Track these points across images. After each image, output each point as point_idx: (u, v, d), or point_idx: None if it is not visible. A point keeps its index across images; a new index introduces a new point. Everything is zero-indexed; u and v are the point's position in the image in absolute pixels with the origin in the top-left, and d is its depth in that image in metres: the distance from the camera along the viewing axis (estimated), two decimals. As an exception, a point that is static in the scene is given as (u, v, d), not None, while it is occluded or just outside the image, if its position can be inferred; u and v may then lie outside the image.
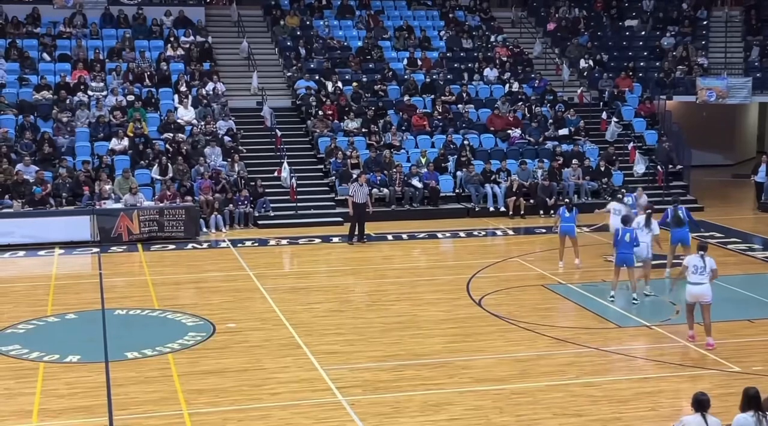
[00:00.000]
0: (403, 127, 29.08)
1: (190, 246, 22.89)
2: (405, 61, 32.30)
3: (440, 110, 29.74)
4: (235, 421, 11.71)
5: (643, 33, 36.13)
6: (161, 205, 23.74)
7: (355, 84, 30.28)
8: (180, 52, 30.96)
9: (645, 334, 15.41)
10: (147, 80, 29.36)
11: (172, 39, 31.32)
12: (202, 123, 27.63)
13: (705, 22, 36.45)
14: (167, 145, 26.50)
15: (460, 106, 30.27)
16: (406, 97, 30.13)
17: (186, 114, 27.96)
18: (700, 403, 8.79)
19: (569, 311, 16.83)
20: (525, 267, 20.37)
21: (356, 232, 23.01)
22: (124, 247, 22.69)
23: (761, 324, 15.50)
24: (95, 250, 22.31)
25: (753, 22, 36.03)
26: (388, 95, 30.57)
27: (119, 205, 23.54)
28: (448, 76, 31.67)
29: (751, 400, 8.76)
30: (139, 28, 31.95)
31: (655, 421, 11.50)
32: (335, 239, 23.35)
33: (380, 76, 31.13)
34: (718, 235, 23.76)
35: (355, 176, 24.45)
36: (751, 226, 25.04)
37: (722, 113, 34.73)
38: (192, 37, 31.58)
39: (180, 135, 26.94)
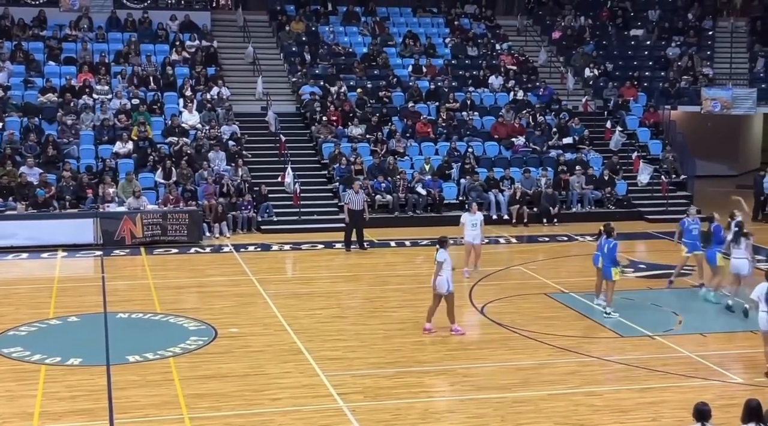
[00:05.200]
0: (408, 134, 29.08)
1: (192, 250, 22.90)
2: (410, 68, 32.32)
3: (444, 117, 29.76)
4: (235, 427, 11.71)
5: (648, 42, 36.14)
6: (164, 209, 23.76)
7: (359, 90, 30.30)
8: (185, 56, 31.01)
9: (647, 343, 15.36)
10: (152, 84, 29.40)
11: (177, 43, 31.37)
12: (207, 127, 27.66)
13: (710, 33, 36.47)
14: (171, 149, 26.53)
15: (464, 113, 30.28)
16: (410, 104, 30.14)
17: (190, 118, 27.99)
18: (701, 414, 8.83)
19: (571, 320, 16.78)
20: (527, 275, 20.33)
21: (354, 240, 22.95)
22: (127, 250, 22.69)
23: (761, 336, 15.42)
24: (98, 253, 22.32)
25: (758, 33, 36.02)
26: (392, 102, 30.58)
27: (123, 209, 23.55)
28: (453, 84, 31.67)
29: (752, 412, 8.81)
30: (144, 32, 32.00)
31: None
32: (338, 245, 23.34)
33: (385, 83, 31.15)
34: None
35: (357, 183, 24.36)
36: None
37: (727, 124, 34.71)
38: (197, 42, 31.63)
39: (184, 139, 26.98)
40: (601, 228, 17.39)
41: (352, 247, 22.91)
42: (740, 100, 32.08)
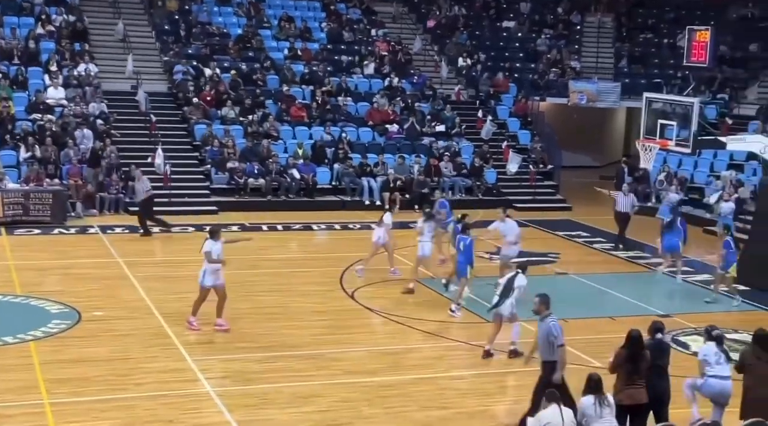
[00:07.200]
0: (283, 118, 28.90)
1: (56, 231, 22.22)
2: (285, 51, 32.09)
3: (319, 102, 29.70)
4: (98, 411, 11.46)
5: (519, 35, 36.92)
6: (27, 188, 22.96)
7: (233, 72, 29.91)
8: (51, 30, 29.91)
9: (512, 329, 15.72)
10: (15, 58, 28.27)
11: (43, 17, 30.23)
12: (72, 104, 26.82)
13: (578, 27, 37.54)
14: (35, 126, 25.63)
15: (339, 98, 30.30)
16: (285, 88, 29.95)
17: (56, 94, 27.08)
18: (552, 396, 9.50)
19: (440, 305, 17.03)
20: (398, 261, 20.46)
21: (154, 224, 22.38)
22: (-14, 230, 21.87)
23: (622, 321, 16.00)
24: (-45, 232, 21.43)
25: (623, 29, 37.31)
26: (266, 85, 30.32)
27: (-18, 187, 22.66)
28: (328, 68, 31.63)
29: (593, 385, 9.69)
30: (8, 3, 30.67)
31: (519, 414, 11.77)
32: (208, 228, 22.96)
33: (259, 65, 30.85)
34: (585, 234, 24.52)
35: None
36: (615, 227, 25.83)
37: (592, 116, 35.81)
38: (64, 16, 30.56)
39: (49, 116, 26.10)
40: (458, 216, 17.84)
41: (142, 231, 22.25)
42: (605, 94, 33.16)
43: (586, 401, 9.61)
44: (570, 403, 10.18)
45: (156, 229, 22.39)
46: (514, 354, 13.94)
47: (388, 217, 19.02)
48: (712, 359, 11.01)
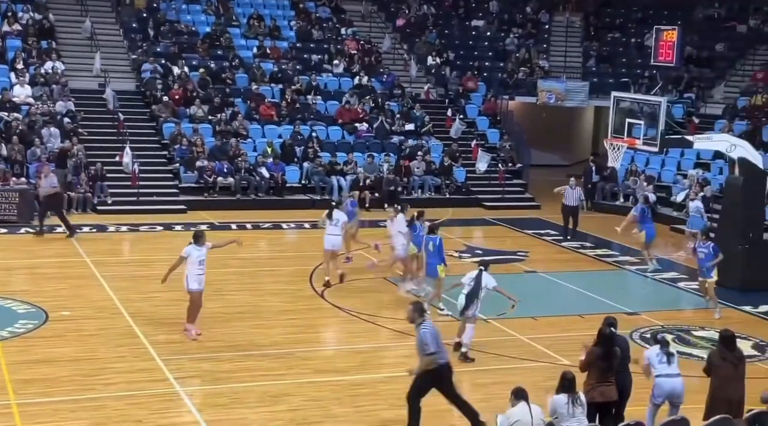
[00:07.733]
0: (252, 116, 28.80)
1: (23, 230, 22.01)
2: (254, 50, 31.99)
3: (289, 100, 29.64)
4: (66, 412, 11.38)
5: (488, 34, 37.04)
6: (-7, 186, 22.76)
7: (202, 70, 29.76)
8: (18, 28, 29.62)
9: (481, 327, 15.77)
10: (-19, 56, 28.03)
11: (9, 14, 29.93)
12: (39, 103, 26.58)
13: (547, 26, 37.73)
14: (1, 125, 25.39)
15: (308, 97, 30.24)
16: (254, 86, 29.85)
17: (22, 92, 26.83)
18: (521, 394, 9.67)
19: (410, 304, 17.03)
20: (369, 260, 20.51)
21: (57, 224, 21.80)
22: (-49, 229, 21.63)
23: (590, 319, 16.10)
24: None
25: (591, 29, 37.56)
26: (235, 83, 30.21)
27: (-53, 186, 22.40)
28: (298, 67, 31.57)
29: (567, 383, 9.74)
30: (-27, 1, 30.41)
31: (489, 411, 11.80)
32: (177, 227, 22.92)
33: (228, 64, 30.72)
34: (553, 232, 24.66)
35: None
36: (583, 224, 26.01)
37: (560, 115, 36.01)
38: (31, 14, 30.27)
39: (15, 114, 25.85)
40: (414, 214, 17.83)
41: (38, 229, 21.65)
42: (573, 93, 33.33)
43: (559, 400, 9.65)
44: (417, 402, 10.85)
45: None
46: (458, 347, 14.07)
47: (401, 218, 18.65)
48: (654, 360, 11.18)
